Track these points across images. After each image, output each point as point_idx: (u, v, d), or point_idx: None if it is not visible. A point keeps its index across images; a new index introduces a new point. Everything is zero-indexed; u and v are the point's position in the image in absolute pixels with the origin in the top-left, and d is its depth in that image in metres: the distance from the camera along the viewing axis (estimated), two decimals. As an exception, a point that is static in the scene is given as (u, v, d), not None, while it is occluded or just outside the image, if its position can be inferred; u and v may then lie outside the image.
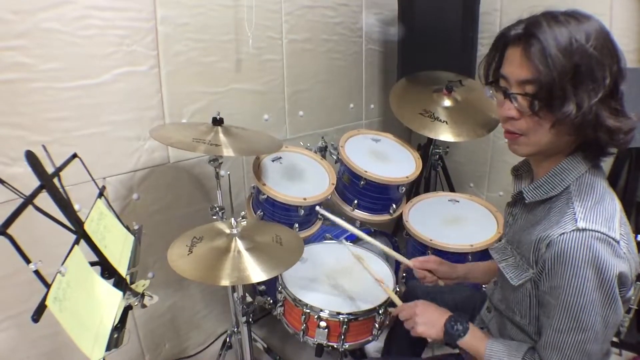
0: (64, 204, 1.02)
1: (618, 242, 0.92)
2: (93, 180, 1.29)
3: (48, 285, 0.83)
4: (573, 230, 0.92)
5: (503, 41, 1.01)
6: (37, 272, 0.83)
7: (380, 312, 1.53)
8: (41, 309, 0.79)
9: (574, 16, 0.94)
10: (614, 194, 1.03)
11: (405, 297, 1.64)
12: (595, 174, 1.02)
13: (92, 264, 1.03)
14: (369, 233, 2.11)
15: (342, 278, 1.70)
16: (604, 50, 0.91)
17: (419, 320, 1.21)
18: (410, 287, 1.65)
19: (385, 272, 1.75)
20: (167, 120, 1.88)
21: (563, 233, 0.93)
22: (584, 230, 0.92)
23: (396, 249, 2.21)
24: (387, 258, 1.90)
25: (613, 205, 0.99)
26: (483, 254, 1.89)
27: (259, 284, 2.07)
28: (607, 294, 0.92)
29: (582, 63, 0.89)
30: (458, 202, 2.17)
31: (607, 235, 0.92)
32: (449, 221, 2.04)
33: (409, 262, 1.54)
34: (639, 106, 1.03)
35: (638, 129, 0.98)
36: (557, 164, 1.03)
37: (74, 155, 1.21)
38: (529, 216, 1.11)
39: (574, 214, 0.95)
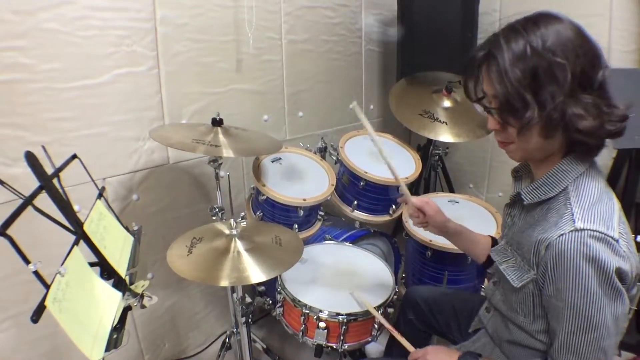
0: (64, 204, 1.02)
1: (617, 241, 0.93)
2: (93, 180, 1.29)
3: (47, 286, 0.83)
4: (571, 231, 0.93)
5: (476, 62, 1.04)
6: (36, 273, 0.83)
7: (379, 312, 1.53)
8: (41, 309, 0.79)
9: (534, 21, 0.96)
10: (612, 194, 1.03)
11: (404, 304, 1.64)
12: (593, 174, 1.03)
13: (92, 264, 1.03)
14: (368, 234, 2.12)
15: (341, 279, 1.70)
16: (566, 48, 0.92)
17: None
18: (409, 292, 1.65)
19: (384, 273, 1.75)
20: (167, 120, 1.88)
21: (562, 234, 0.94)
22: (582, 230, 0.92)
23: (396, 250, 2.22)
24: (386, 258, 1.90)
25: (611, 205, 1.00)
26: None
27: (259, 284, 2.07)
28: (610, 288, 0.92)
29: (538, 67, 0.93)
30: (458, 202, 2.17)
31: (605, 234, 0.92)
32: (448, 222, 2.04)
33: (410, 198, 1.45)
34: (638, 106, 1.03)
35: (636, 129, 0.99)
36: (554, 166, 1.04)
37: (74, 156, 1.21)
38: (528, 217, 1.12)
39: (572, 215, 0.96)
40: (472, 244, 1.46)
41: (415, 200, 1.44)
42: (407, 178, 2.06)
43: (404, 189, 1.47)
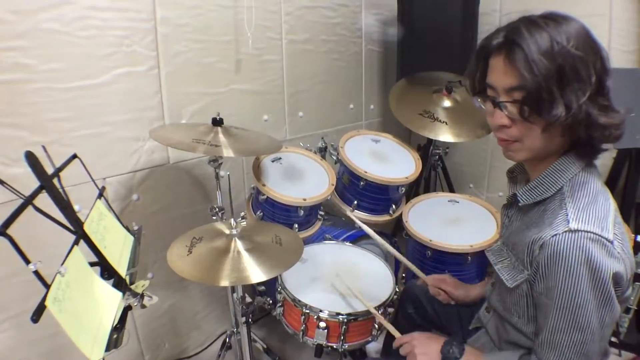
0: (64, 204, 1.02)
1: (612, 242, 0.92)
2: (93, 180, 1.29)
3: (48, 286, 0.83)
4: (565, 232, 0.93)
5: (485, 51, 1.01)
6: (36, 273, 0.83)
7: (379, 312, 1.53)
8: (41, 309, 0.79)
9: (552, 18, 0.94)
10: (608, 194, 1.03)
11: (404, 297, 1.64)
12: (589, 173, 1.02)
13: (92, 264, 1.04)
14: (367, 233, 2.11)
15: (341, 278, 1.70)
16: (586, 49, 0.92)
17: (417, 351, 1.21)
18: (408, 287, 1.66)
19: (384, 272, 1.75)
20: (167, 120, 1.88)
21: (556, 234, 0.94)
22: (576, 231, 0.92)
23: (396, 249, 2.21)
24: (386, 258, 1.90)
25: (606, 205, 0.99)
26: (482, 254, 1.89)
27: (259, 284, 2.07)
28: (602, 293, 0.92)
29: (565, 64, 0.90)
30: (458, 202, 2.17)
31: (599, 235, 0.91)
32: (448, 221, 2.04)
33: (426, 278, 1.56)
34: (639, 106, 1.03)
35: (636, 129, 0.99)
36: (550, 165, 1.03)
37: (74, 156, 1.21)
38: (524, 218, 1.11)
39: (567, 215, 0.95)
40: None
41: (431, 281, 1.52)
42: (407, 177, 2.06)
43: (421, 274, 1.57)
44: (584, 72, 0.91)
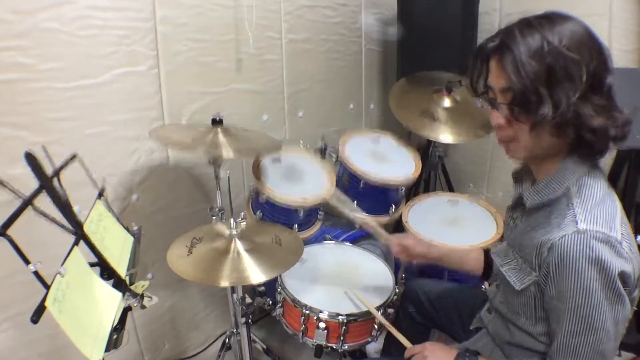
0: (64, 204, 1.02)
1: (620, 243, 0.93)
2: (93, 180, 1.29)
3: (47, 286, 0.83)
4: (574, 232, 0.93)
5: (484, 53, 1.03)
6: (36, 273, 0.83)
7: (379, 312, 1.53)
8: (40, 310, 0.79)
9: (549, 18, 0.95)
10: (614, 195, 1.03)
11: (405, 296, 1.64)
12: (595, 175, 1.02)
13: (92, 264, 1.03)
14: (368, 234, 2.11)
15: (341, 279, 1.70)
16: (581, 49, 0.92)
17: None
18: (411, 286, 1.65)
19: (384, 273, 1.75)
20: (167, 120, 1.88)
21: (564, 235, 0.94)
22: (584, 231, 0.92)
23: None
24: (386, 258, 1.90)
25: (614, 206, 0.99)
26: (483, 255, 1.89)
27: (259, 284, 2.07)
28: (612, 292, 0.92)
29: (555, 64, 0.91)
30: (457, 202, 2.17)
31: (608, 235, 0.92)
32: (448, 222, 2.04)
33: (388, 237, 1.52)
34: (638, 106, 1.03)
35: (636, 129, 0.99)
36: (555, 167, 1.04)
37: (74, 156, 1.20)
38: (530, 219, 1.11)
39: (575, 216, 0.96)
40: (461, 260, 1.47)
41: (394, 239, 1.50)
42: (406, 178, 2.06)
43: (382, 233, 1.56)
44: (575, 72, 0.91)
